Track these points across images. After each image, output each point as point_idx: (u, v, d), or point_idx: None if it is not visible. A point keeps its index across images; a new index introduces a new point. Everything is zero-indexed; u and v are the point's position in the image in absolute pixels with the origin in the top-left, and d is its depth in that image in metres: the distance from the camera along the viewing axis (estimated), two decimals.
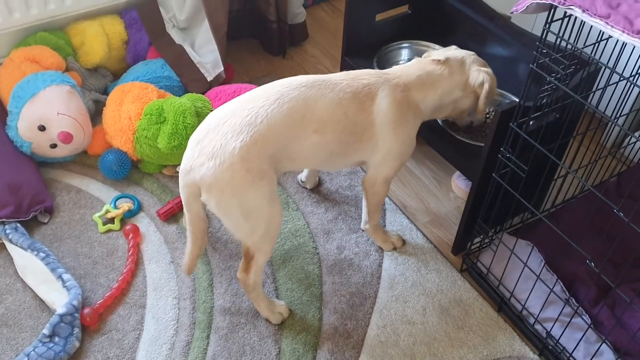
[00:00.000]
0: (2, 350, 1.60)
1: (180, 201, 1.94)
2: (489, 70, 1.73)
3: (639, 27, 1.12)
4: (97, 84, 2.31)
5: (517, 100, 1.50)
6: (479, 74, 1.70)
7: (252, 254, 1.57)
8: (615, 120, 1.41)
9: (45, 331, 1.58)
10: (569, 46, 1.33)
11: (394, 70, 1.70)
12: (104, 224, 1.92)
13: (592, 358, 1.54)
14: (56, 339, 1.58)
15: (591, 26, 1.21)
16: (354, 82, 1.60)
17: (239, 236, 1.57)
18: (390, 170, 1.71)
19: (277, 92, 1.52)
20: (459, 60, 1.72)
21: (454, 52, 1.77)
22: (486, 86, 1.69)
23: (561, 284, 1.69)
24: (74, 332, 1.61)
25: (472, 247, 1.83)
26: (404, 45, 2.21)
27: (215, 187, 1.44)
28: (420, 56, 1.79)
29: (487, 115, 1.96)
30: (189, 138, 1.53)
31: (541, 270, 1.65)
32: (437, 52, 1.78)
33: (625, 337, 1.57)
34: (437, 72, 1.69)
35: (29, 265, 1.75)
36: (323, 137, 1.56)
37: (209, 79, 2.33)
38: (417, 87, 1.66)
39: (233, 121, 1.46)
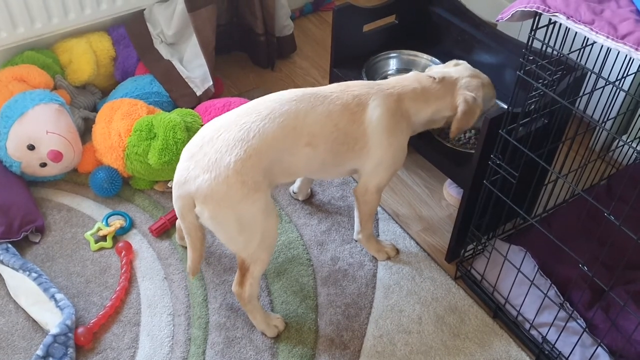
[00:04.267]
0: None
1: (173, 217, 1.95)
2: (471, 95, 1.71)
3: (623, 33, 1.13)
4: (86, 101, 2.30)
5: (506, 107, 1.51)
6: (459, 99, 1.71)
7: (248, 266, 1.57)
8: (603, 124, 1.43)
9: (39, 352, 1.56)
10: (555, 52, 1.35)
11: (388, 81, 1.71)
12: (96, 242, 1.91)
13: None
14: (50, 359, 1.57)
15: (576, 32, 1.22)
16: (343, 94, 1.60)
17: (234, 248, 1.57)
18: (382, 179, 1.72)
19: (268, 107, 1.53)
20: (453, 81, 1.73)
21: (451, 69, 1.77)
22: (460, 108, 1.70)
23: (555, 288, 1.69)
24: (68, 352, 1.59)
25: (466, 254, 1.84)
26: (392, 55, 2.22)
27: (211, 200, 1.44)
28: (409, 66, 1.80)
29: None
30: (179, 153, 1.53)
31: (535, 276, 1.66)
32: (438, 68, 1.78)
33: (620, 339, 1.58)
34: (433, 89, 1.70)
35: (21, 285, 1.73)
36: (315, 150, 1.57)
37: (198, 93, 2.32)
38: (411, 99, 1.67)
39: (226, 136, 1.47)
